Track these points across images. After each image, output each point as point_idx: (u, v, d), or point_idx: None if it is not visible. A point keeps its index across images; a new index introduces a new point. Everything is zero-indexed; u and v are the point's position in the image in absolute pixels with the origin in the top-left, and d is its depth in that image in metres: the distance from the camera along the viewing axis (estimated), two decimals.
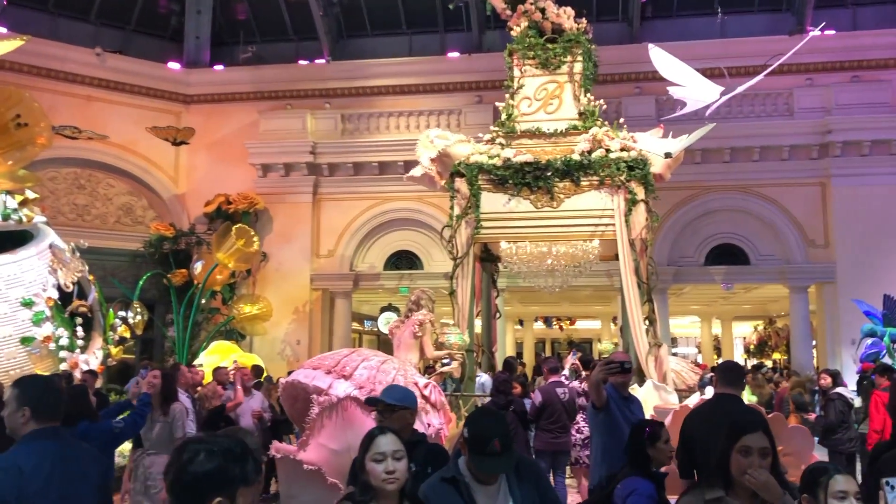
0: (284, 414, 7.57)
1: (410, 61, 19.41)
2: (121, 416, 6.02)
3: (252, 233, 16.80)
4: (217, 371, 9.72)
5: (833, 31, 17.34)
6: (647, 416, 7.22)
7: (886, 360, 13.50)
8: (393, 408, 4.01)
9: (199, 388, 8.98)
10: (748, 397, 7.60)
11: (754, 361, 22.84)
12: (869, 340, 14.14)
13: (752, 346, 26.36)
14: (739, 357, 26.38)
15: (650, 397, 8.72)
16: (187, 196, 19.17)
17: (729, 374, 4.93)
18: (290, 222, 18.51)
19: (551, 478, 8.47)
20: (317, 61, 19.89)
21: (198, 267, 16.88)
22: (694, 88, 8.00)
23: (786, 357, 20.52)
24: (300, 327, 18.22)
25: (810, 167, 17.05)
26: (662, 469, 4.14)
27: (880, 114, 16.60)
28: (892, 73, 17.24)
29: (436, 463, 3.68)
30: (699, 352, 28.11)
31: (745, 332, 27.70)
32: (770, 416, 5.65)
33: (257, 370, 11.84)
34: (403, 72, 19.19)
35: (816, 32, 9.19)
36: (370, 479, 2.95)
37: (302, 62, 19.93)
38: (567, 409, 8.70)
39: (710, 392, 9.69)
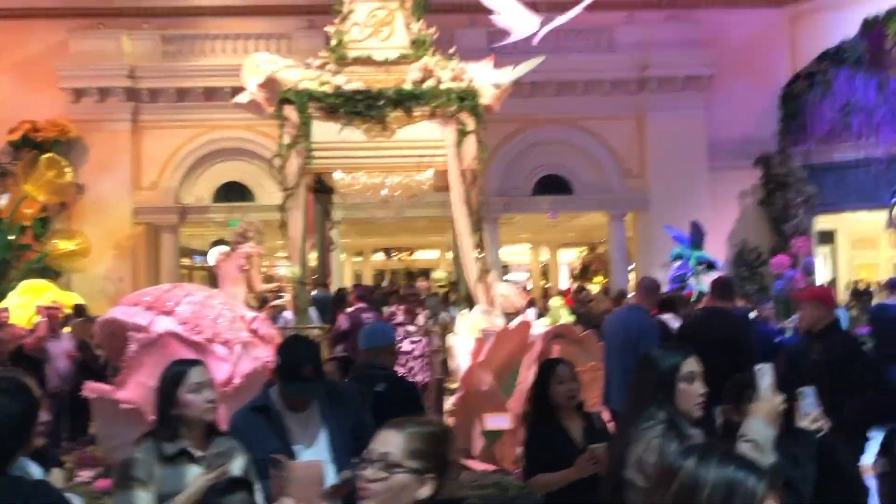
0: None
1: None
2: None
3: (64, 163, 15.60)
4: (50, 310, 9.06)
5: None
6: (474, 339, 7.53)
7: (692, 280, 14.78)
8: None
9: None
10: (566, 317, 8.06)
11: (576, 285, 24.13)
12: (677, 263, 15.36)
13: (576, 271, 27.93)
14: (566, 280, 27.84)
15: (479, 321, 9.07)
16: None
17: (724, 289, 5.93)
18: (107, 152, 17.20)
19: None
20: None
21: (3, 200, 15.54)
22: (515, 18, 8.14)
23: (606, 280, 21.89)
24: (123, 263, 17.23)
25: (629, 102, 17.94)
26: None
27: (692, 51, 17.68)
28: (703, 13, 18.28)
29: None
30: (530, 277, 29.46)
31: (571, 258, 29.25)
32: (583, 333, 6.03)
33: (78, 309, 11.25)
34: None
35: None
36: (188, 412, 2.91)
37: None
38: None
39: (531, 314, 10.17)
